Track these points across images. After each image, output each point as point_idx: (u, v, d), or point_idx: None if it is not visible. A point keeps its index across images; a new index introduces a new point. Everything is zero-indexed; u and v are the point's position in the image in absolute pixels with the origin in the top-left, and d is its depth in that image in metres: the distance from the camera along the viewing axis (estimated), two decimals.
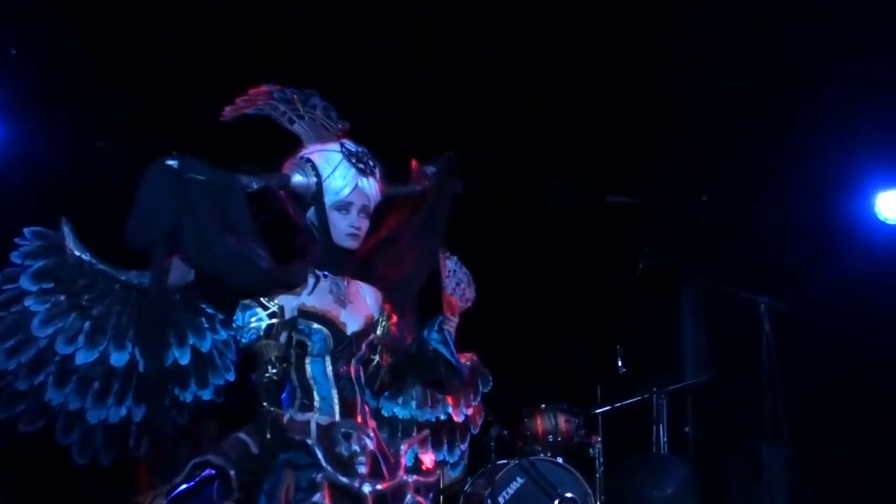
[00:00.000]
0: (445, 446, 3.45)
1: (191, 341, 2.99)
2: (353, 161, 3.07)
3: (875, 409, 5.55)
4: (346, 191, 3.05)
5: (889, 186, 5.63)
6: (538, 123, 5.68)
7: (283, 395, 3.00)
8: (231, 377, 3.04)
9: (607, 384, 5.74)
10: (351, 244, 3.08)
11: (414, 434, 3.29)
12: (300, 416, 2.96)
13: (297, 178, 3.05)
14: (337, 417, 2.98)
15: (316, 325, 3.03)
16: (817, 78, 5.23)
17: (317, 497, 2.78)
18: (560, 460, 5.38)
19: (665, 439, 5.62)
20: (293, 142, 3.11)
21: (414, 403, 3.40)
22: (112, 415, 2.90)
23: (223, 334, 3.04)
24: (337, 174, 3.05)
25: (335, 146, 3.09)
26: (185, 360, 2.96)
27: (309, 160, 3.08)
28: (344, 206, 3.06)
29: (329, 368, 3.03)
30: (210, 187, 2.85)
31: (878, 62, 5.10)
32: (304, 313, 3.03)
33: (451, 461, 3.47)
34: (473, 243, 3.50)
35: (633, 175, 5.95)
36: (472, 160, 3.47)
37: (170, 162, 2.82)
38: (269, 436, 2.92)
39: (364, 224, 3.11)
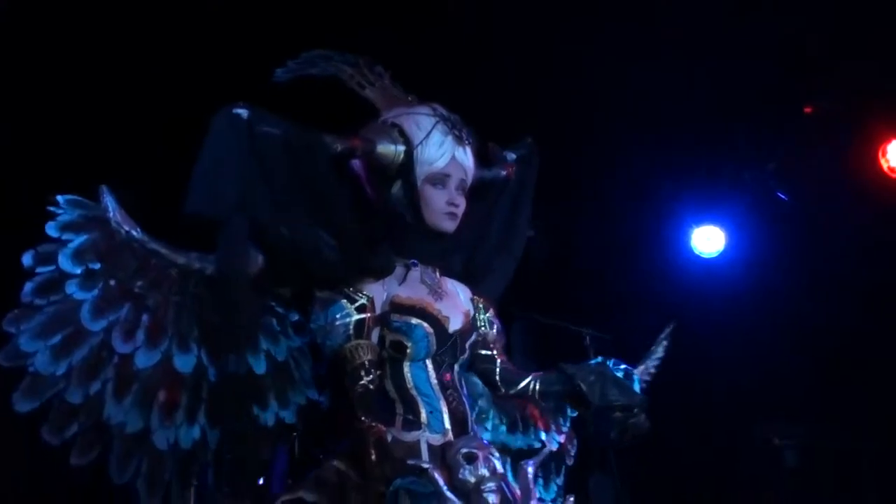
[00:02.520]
0: (541, 480, 2.86)
1: (264, 346, 2.42)
2: (449, 126, 2.52)
3: (696, 438, 5.76)
4: (443, 161, 2.50)
5: (703, 222, 5.90)
6: None
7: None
8: (313, 395, 2.49)
9: None
10: (447, 225, 2.54)
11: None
12: (406, 436, 2.39)
13: (384, 145, 2.49)
14: (450, 436, 2.42)
15: (415, 321, 2.46)
16: (634, 116, 5.42)
17: None
18: None
19: None
20: (357, 111, 2.61)
21: (503, 428, 2.84)
22: (183, 437, 2.32)
23: (297, 341, 2.47)
24: (431, 141, 2.49)
25: (426, 109, 2.56)
26: (260, 370, 2.39)
27: (395, 124, 2.53)
28: (439, 180, 2.52)
29: (433, 375, 2.47)
30: (288, 145, 2.33)
31: (692, 100, 5.33)
32: (399, 307, 2.47)
33: (548, 499, 2.89)
34: None
35: None
36: None
37: (238, 111, 2.31)
38: (374, 458, 2.30)
39: (462, 202, 2.56)
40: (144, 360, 2.31)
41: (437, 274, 2.60)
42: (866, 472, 5.70)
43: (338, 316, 2.42)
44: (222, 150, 2.30)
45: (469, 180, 2.59)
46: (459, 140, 2.54)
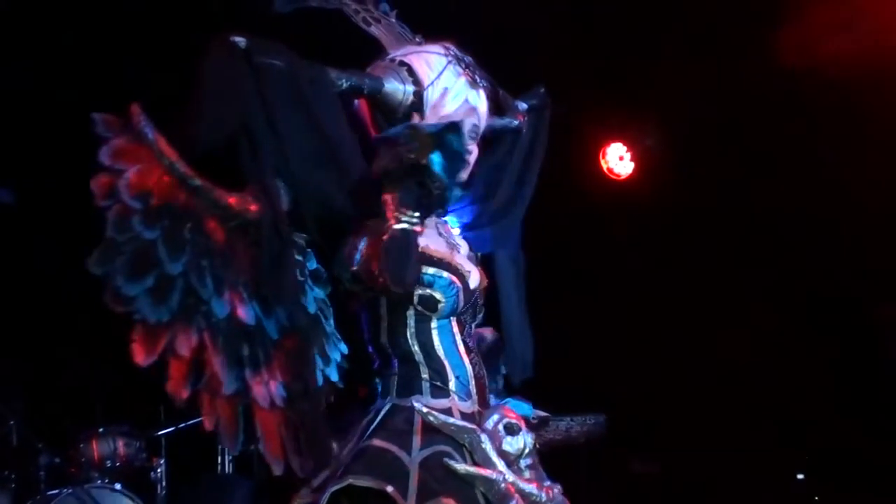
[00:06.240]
0: None
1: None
2: (462, 67, 2.30)
3: None
4: (455, 104, 2.29)
5: None
6: None
7: (392, 374, 2.26)
8: (345, 349, 2.28)
9: (170, 403, 5.56)
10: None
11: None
12: (435, 403, 2.21)
13: (392, 85, 2.25)
14: (477, 405, 2.26)
15: (446, 275, 2.24)
16: None
17: None
18: (119, 486, 5.17)
19: (230, 459, 5.58)
20: (360, 50, 2.36)
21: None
22: (276, 393, 2.11)
23: (319, 292, 2.25)
24: (442, 82, 2.28)
25: (437, 48, 2.33)
26: (301, 321, 2.18)
27: (404, 63, 2.29)
28: None
29: (458, 336, 2.28)
30: (291, 78, 2.11)
31: None
32: (428, 259, 2.24)
33: None
34: None
35: None
36: None
37: (236, 39, 2.07)
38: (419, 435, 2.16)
39: (475, 150, 2.34)
40: (219, 309, 2.09)
41: (447, 225, 2.41)
42: None
43: None
44: (219, 82, 2.07)
45: (482, 126, 2.38)
46: (473, 83, 2.33)
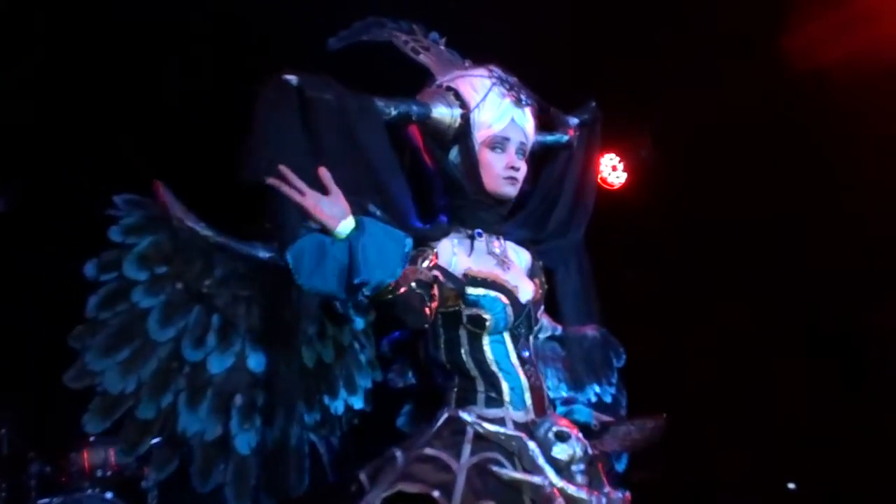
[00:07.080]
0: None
1: (329, 332, 2.36)
2: (506, 88, 2.43)
3: None
4: (501, 124, 2.40)
5: None
6: None
7: (453, 387, 2.36)
8: (379, 377, 2.47)
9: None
10: (508, 190, 2.44)
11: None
12: (489, 413, 2.34)
13: (440, 110, 2.39)
14: (532, 413, 2.38)
15: (492, 293, 2.37)
16: None
17: None
18: (110, 495, 5.13)
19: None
20: (411, 79, 2.47)
21: (564, 387, 2.82)
22: (269, 438, 2.24)
23: (360, 322, 2.41)
24: (488, 104, 2.39)
25: (482, 71, 2.46)
26: (329, 358, 2.35)
27: (451, 88, 2.43)
28: (498, 143, 2.41)
29: (512, 349, 2.40)
30: (340, 110, 2.20)
31: None
32: (473, 280, 2.36)
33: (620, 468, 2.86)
34: None
35: None
36: None
37: (287, 77, 2.18)
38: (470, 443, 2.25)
39: (523, 166, 2.46)
40: (217, 364, 2.22)
41: (502, 241, 2.50)
42: None
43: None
44: (272, 118, 2.15)
45: (529, 144, 2.50)
46: (518, 102, 2.45)
